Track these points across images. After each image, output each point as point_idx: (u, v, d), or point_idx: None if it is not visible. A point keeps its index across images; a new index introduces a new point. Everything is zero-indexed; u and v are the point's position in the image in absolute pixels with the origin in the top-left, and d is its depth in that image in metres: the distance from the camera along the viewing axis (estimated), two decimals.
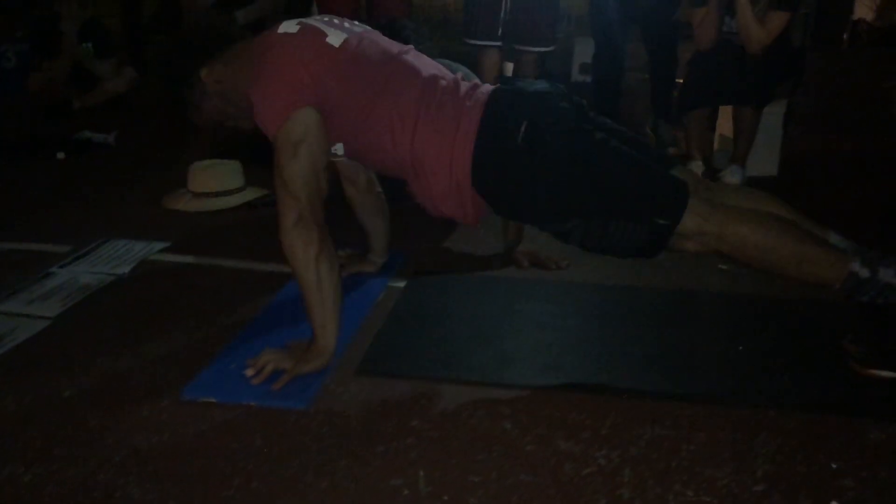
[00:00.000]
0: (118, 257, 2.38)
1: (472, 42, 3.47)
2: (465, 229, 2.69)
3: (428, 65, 1.83)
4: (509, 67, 3.93)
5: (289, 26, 1.76)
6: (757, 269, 1.69)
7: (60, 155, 3.63)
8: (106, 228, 2.63)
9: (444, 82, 1.77)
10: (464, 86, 1.79)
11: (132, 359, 1.79)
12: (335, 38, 1.74)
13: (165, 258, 2.42)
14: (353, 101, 1.72)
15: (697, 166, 3.22)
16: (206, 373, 1.72)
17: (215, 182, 2.92)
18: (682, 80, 3.56)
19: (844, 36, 8.92)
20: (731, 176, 3.14)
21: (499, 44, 3.44)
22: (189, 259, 2.41)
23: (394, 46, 1.84)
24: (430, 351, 1.84)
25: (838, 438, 1.50)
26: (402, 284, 2.21)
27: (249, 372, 1.68)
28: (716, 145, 3.66)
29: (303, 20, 1.79)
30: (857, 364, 1.71)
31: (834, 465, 1.42)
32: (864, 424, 1.54)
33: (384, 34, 1.90)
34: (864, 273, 1.64)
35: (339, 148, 1.82)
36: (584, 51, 6.92)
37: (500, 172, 1.71)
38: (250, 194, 2.96)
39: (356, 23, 1.86)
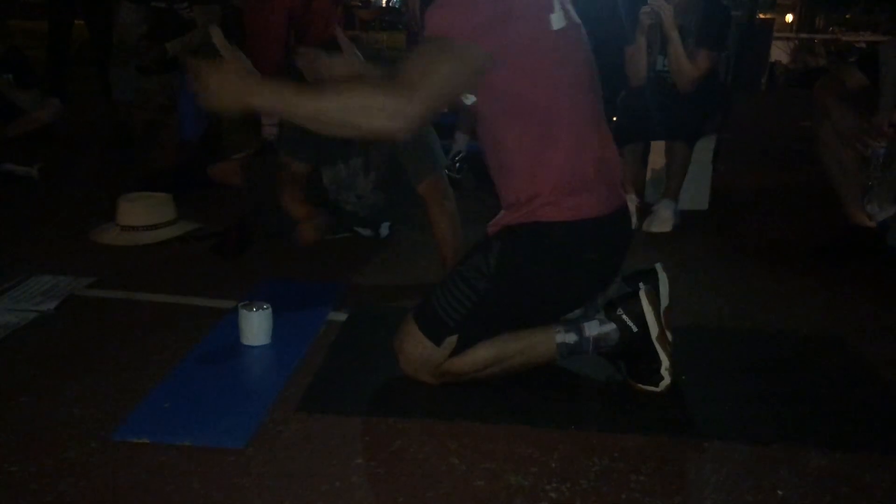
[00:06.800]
0: (42, 293, 2.26)
1: None
2: (403, 259, 2.67)
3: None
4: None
5: None
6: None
7: None
8: (29, 263, 2.50)
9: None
10: None
11: (57, 399, 1.69)
12: (557, 20, 1.62)
13: (93, 293, 2.31)
14: (532, 83, 1.62)
15: (631, 200, 3.26)
16: (138, 412, 1.63)
17: (144, 215, 2.83)
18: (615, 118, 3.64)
19: (763, 78, 9.31)
20: (664, 210, 3.20)
21: None
22: (118, 294, 2.31)
23: (587, 53, 1.74)
24: (372, 386, 1.79)
25: (783, 466, 1.50)
26: (342, 318, 2.16)
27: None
28: (648, 179, 3.73)
29: None
30: (630, 380, 1.80)
31: (780, 493, 1.42)
32: (807, 451, 1.55)
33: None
34: (572, 338, 1.75)
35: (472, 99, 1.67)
36: None
37: None
38: (182, 228, 2.88)
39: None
